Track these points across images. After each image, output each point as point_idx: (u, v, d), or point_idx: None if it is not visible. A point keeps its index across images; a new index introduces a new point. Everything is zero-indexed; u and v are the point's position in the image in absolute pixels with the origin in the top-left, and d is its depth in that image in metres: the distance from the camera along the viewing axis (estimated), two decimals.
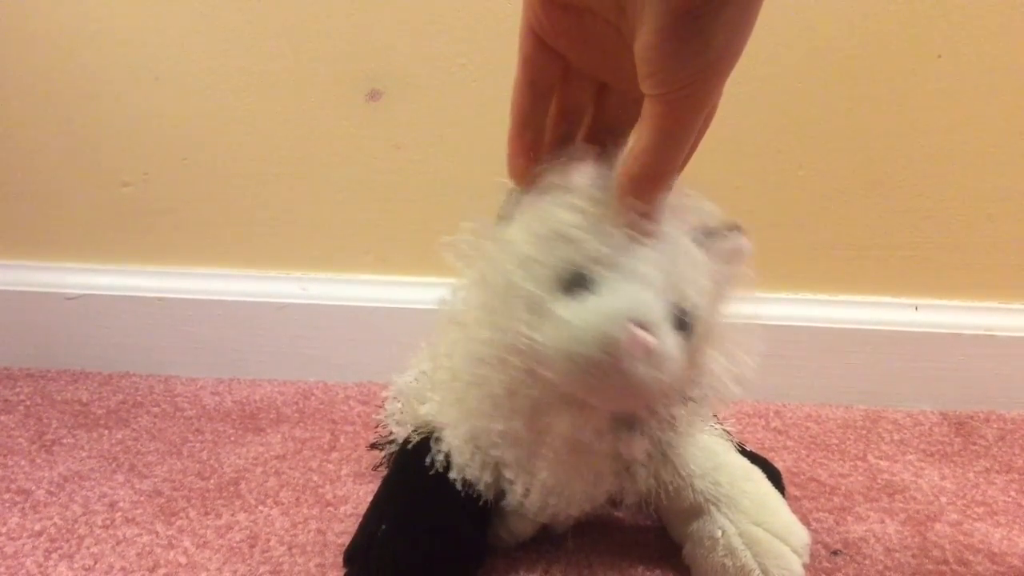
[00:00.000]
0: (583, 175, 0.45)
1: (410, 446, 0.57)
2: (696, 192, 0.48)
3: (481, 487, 0.53)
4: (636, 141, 0.41)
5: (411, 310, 0.91)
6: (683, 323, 0.44)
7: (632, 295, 0.42)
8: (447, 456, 0.53)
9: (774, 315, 0.90)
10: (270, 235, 0.94)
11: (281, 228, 0.94)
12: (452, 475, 0.53)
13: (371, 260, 0.94)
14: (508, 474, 0.51)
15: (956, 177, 0.88)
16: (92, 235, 0.95)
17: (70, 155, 0.92)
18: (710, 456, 0.56)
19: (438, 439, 0.55)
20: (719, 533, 0.53)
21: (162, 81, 0.90)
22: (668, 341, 0.42)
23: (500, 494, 0.53)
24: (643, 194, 0.42)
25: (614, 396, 0.44)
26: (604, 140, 0.47)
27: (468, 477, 0.53)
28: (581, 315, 0.42)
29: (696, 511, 0.55)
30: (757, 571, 0.52)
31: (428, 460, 0.54)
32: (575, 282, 0.43)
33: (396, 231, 0.93)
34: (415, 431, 0.58)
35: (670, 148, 0.40)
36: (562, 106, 0.47)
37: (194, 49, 0.89)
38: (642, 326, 0.40)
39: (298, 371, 0.95)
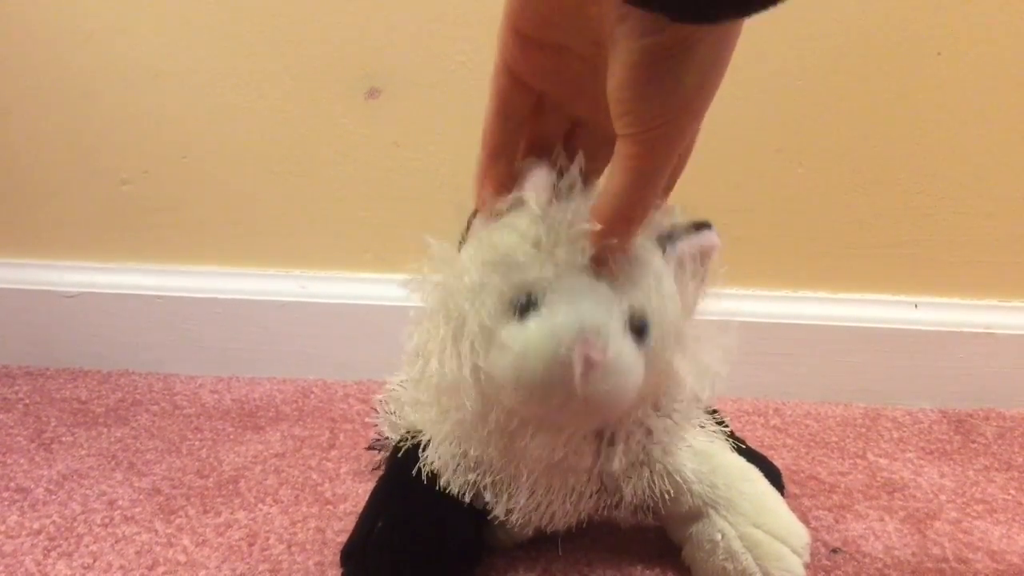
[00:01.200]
0: (530, 190, 0.44)
1: (400, 453, 0.56)
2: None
3: (467, 500, 0.53)
4: (609, 182, 0.40)
5: (410, 308, 0.91)
6: (641, 329, 0.44)
7: (575, 310, 0.41)
8: (432, 468, 0.53)
9: (773, 313, 0.90)
10: (269, 233, 0.94)
11: (280, 226, 0.94)
12: (439, 486, 0.53)
13: (370, 258, 0.94)
14: (488, 496, 0.51)
15: (956, 175, 0.88)
16: (91, 233, 0.95)
17: (69, 153, 0.92)
18: (705, 459, 0.56)
19: (425, 450, 0.54)
20: (719, 536, 0.53)
21: (161, 79, 0.90)
22: (623, 350, 0.41)
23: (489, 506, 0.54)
24: (618, 233, 0.41)
25: (575, 415, 0.43)
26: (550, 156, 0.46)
27: (454, 492, 0.52)
28: (524, 338, 0.41)
29: (695, 514, 0.55)
30: (758, 574, 0.52)
31: (415, 470, 0.54)
32: (525, 306, 0.43)
33: (395, 229, 0.93)
34: (408, 434, 0.58)
35: (643, 188, 0.39)
36: (533, 139, 0.47)
37: (193, 47, 0.89)
38: (588, 339, 0.40)
39: (297, 369, 0.95)
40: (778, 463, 0.68)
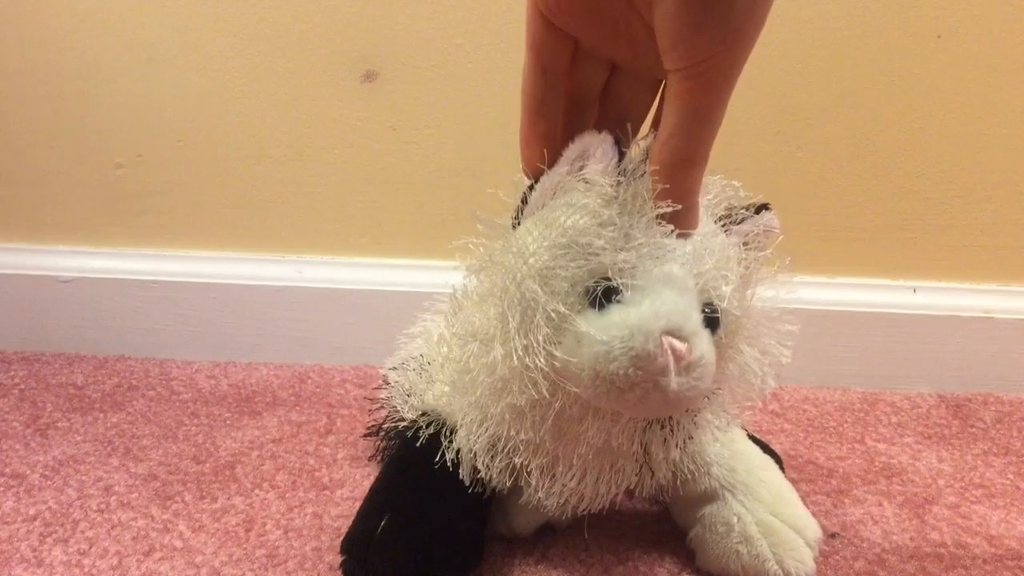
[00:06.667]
0: (598, 170, 0.43)
1: (420, 439, 0.55)
2: (718, 175, 0.46)
3: (495, 485, 0.52)
4: (663, 124, 0.39)
5: (407, 293, 0.90)
6: (712, 320, 0.43)
7: (663, 303, 0.40)
8: (457, 454, 0.52)
9: (771, 297, 0.90)
10: (265, 218, 0.94)
11: (276, 210, 0.93)
12: (461, 473, 0.52)
13: (367, 243, 0.94)
14: (531, 479, 0.50)
15: (955, 158, 0.87)
16: (86, 217, 0.94)
17: (63, 136, 0.92)
18: (727, 443, 0.56)
19: (450, 434, 0.53)
20: (735, 519, 0.53)
21: (155, 62, 0.89)
22: (703, 346, 0.41)
23: (513, 488, 0.53)
24: (680, 179, 0.40)
25: (651, 408, 0.42)
26: (614, 129, 0.44)
27: (484, 478, 0.51)
28: (611, 330, 0.40)
29: (709, 496, 0.55)
30: (772, 561, 0.52)
31: (438, 457, 0.53)
32: (600, 293, 0.41)
33: (392, 214, 0.92)
34: (423, 416, 0.57)
35: (700, 127, 0.38)
36: (571, 92, 0.45)
37: (188, 29, 0.88)
38: (676, 335, 0.39)
39: (294, 354, 0.94)
40: (776, 448, 0.68)
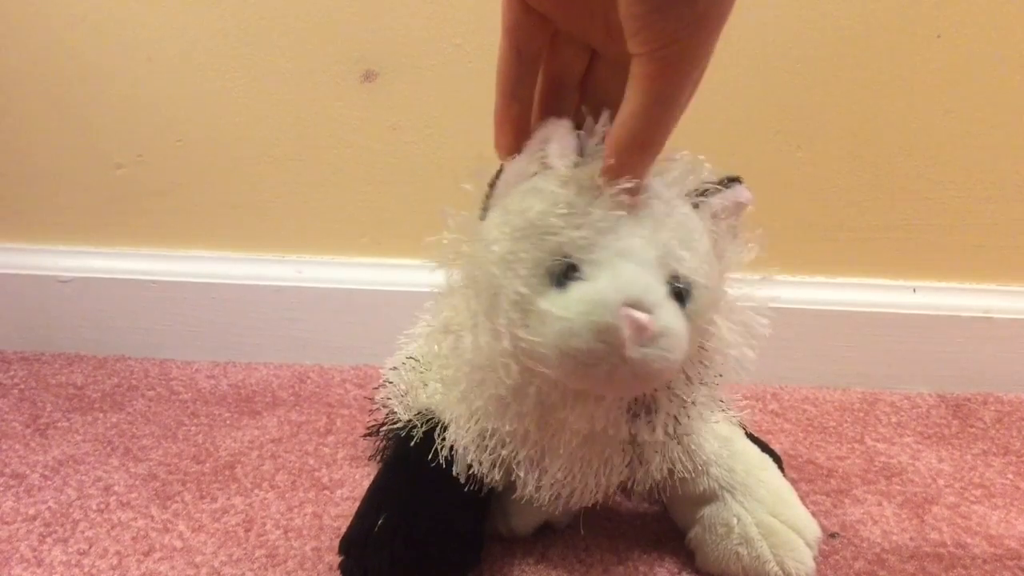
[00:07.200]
0: (555, 154, 0.43)
1: (415, 438, 0.55)
2: (687, 150, 0.46)
3: (489, 481, 0.52)
4: (624, 106, 0.39)
5: (407, 293, 0.90)
6: (681, 292, 0.43)
7: (621, 276, 0.40)
8: (452, 451, 0.52)
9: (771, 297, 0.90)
10: (265, 218, 0.94)
11: (276, 211, 0.93)
12: (455, 470, 0.52)
13: (367, 243, 0.94)
14: (520, 471, 0.50)
15: (955, 158, 0.87)
16: (86, 217, 0.94)
17: (63, 137, 0.92)
18: (725, 443, 0.55)
19: (443, 431, 0.53)
20: (734, 521, 0.53)
21: (155, 62, 0.89)
22: (667, 316, 0.40)
23: (509, 486, 0.53)
24: (632, 163, 0.40)
25: (621, 384, 0.42)
26: (584, 115, 0.45)
27: (476, 474, 0.51)
28: (571, 306, 0.40)
29: (708, 497, 0.55)
30: (772, 563, 0.51)
31: (431, 454, 0.53)
32: (563, 272, 0.42)
33: (392, 214, 0.92)
34: (418, 415, 0.57)
35: (660, 111, 0.38)
36: (551, 77, 0.45)
37: (188, 30, 0.88)
38: (637, 306, 0.39)
39: (294, 354, 0.94)
40: (776, 448, 0.68)
